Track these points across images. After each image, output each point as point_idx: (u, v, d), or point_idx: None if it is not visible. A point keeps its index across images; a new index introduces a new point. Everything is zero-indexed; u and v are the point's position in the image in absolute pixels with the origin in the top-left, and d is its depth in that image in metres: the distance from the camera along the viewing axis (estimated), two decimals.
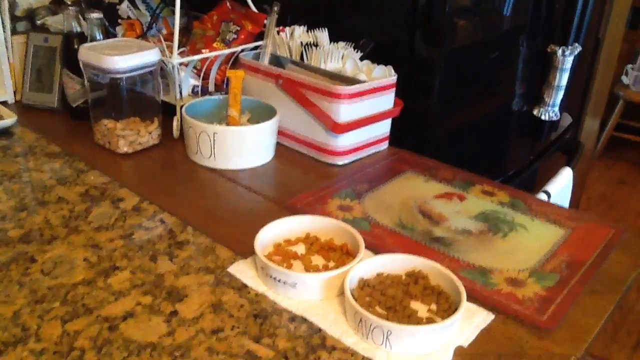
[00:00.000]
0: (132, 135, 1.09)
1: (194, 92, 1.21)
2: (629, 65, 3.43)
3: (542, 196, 1.46)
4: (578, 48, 1.42)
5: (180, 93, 1.16)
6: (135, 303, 0.71)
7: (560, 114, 1.55)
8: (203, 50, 1.20)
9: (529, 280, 0.77)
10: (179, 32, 1.11)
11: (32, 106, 1.28)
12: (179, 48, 1.13)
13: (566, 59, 1.40)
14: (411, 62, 1.17)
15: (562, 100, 1.51)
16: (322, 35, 1.19)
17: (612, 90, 3.30)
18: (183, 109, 1.09)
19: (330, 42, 1.19)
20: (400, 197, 0.98)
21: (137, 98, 1.10)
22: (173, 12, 1.20)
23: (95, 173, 1.03)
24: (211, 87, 1.24)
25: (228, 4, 1.29)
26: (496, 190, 1.01)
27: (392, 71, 1.12)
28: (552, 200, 1.46)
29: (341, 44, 1.18)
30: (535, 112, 1.52)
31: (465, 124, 1.35)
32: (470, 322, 0.70)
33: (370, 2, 1.19)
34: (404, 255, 0.76)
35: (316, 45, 1.16)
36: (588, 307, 0.74)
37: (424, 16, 1.12)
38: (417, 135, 1.22)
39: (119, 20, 1.31)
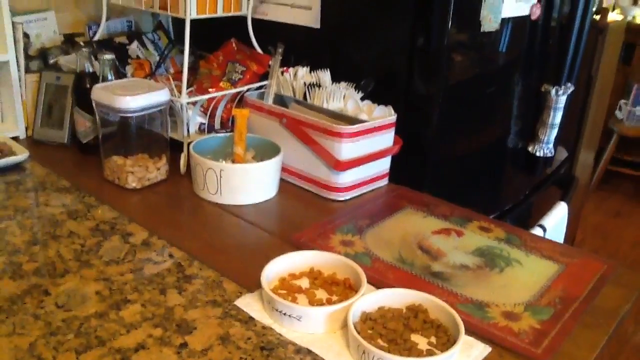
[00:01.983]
0: (140, 171, 1.13)
1: (201, 130, 1.26)
2: (623, 100, 3.50)
3: (538, 230, 1.49)
4: (571, 88, 1.47)
5: (188, 130, 1.20)
6: (147, 335, 0.74)
7: (555, 149, 1.60)
8: (210, 90, 1.25)
9: (525, 314, 0.81)
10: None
11: (43, 142, 1.32)
12: (186, 87, 1.17)
13: (559, 98, 1.45)
14: (409, 97, 1.21)
15: (557, 136, 1.55)
16: (325, 75, 1.24)
17: (606, 125, 3.37)
18: (191, 146, 1.13)
19: (332, 83, 1.24)
20: (399, 232, 1.01)
21: (146, 135, 1.15)
22: (180, 52, 1.26)
23: (104, 208, 1.07)
24: (217, 125, 1.28)
25: (233, 44, 1.35)
26: (492, 227, 1.05)
27: (392, 111, 1.17)
28: (547, 234, 1.50)
29: (343, 84, 1.23)
30: (530, 148, 1.56)
31: (462, 159, 1.39)
32: (468, 354, 0.73)
33: (370, 40, 1.24)
34: (404, 290, 0.79)
35: (319, 86, 1.21)
36: (581, 340, 0.77)
37: (422, 52, 1.17)
38: (416, 168, 1.26)
39: (129, 60, 1.36)
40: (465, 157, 1.40)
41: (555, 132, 1.52)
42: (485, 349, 0.74)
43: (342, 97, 1.20)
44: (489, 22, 1.20)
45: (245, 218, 1.06)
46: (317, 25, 1.30)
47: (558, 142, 1.62)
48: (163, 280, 0.86)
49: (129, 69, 1.34)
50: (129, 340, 0.73)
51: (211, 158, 1.12)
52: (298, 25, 1.33)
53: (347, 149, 1.09)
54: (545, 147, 1.53)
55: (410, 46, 1.18)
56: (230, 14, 1.27)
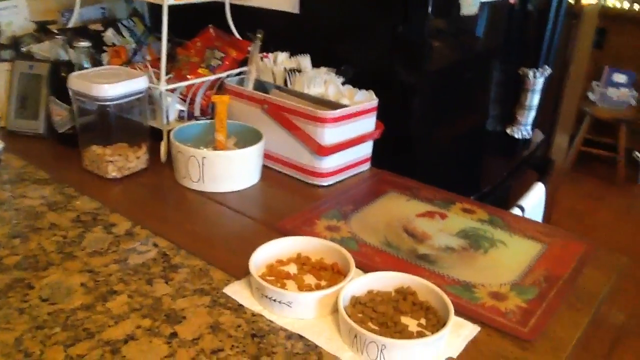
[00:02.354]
0: (120, 161, 1.11)
1: (180, 117, 1.24)
2: (595, 82, 3.54)
3: (517, 211, 1.51)
4: (548, 70, 1.49)
5: (167, 118, 1.19)
6: (135, 326, 0.73)
7: (532, 131, 1.62)
8: (188, 76, 1.23)
9: (511, 294, 0.82)
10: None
11: (17, 133, 1.29)
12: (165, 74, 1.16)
13: (537, 80, 1.47)
14: (392, 84, 1.21)
15: (534, 119, 1.57)
16: (305, 61, 1.23)
17: (579, 107, 3.41)
18: (171, 134, 1.11)
19: (313, 68, 1.23)
20: (384, 216, 1.02)
21: (125, 124, 1.12)
22: (157, 39, 1.23)
23: (85, 199, 1.05)
24: (197, 112, 1.26)
25: (211, 31, 1.33)
26: (475, 208, 1.06)
27: (374, 95, 1.16)
28: (526, 215, 1.52)
29: (323, 69, 1.22)
30: (508, 131, 1.58)
31: (444, 143, 1.40)
32: (457, 334, 0.73)
33: (351, 29, 1.24)
34: (392, 273, 0.79)
35: (299, 71, 1.20)
36: (566, 319, 0.78)
37: (403, 40, 1.17)
38: (399, 154, 1.27)
39: (104, 47, 1.33)
40: (445, 142, 1.41)
41: (532, 114, 1.54)
42: (474, 329, 0.75)
43: (322, 82, 1.19)
44: (468, 4, 1.20)
45: (229, 205, 1.05)
46: (296, 10, 1.29)
47: (535, 125, 1.64)
48: (149, 270, 0.85)
49: (104, 57, 1.31)
50: (118, 332, 0.72)
51: (192, 146, 1.11)
52: (277, 10, 1.32)
53: (330, 134, 1.08)
54: (523, 129, 1.55)
55: (391, 32, 1.18)
56: (208, 0, 1.25)
